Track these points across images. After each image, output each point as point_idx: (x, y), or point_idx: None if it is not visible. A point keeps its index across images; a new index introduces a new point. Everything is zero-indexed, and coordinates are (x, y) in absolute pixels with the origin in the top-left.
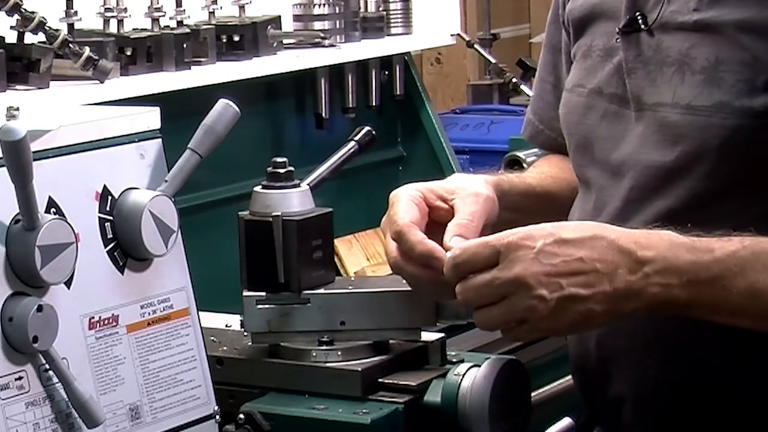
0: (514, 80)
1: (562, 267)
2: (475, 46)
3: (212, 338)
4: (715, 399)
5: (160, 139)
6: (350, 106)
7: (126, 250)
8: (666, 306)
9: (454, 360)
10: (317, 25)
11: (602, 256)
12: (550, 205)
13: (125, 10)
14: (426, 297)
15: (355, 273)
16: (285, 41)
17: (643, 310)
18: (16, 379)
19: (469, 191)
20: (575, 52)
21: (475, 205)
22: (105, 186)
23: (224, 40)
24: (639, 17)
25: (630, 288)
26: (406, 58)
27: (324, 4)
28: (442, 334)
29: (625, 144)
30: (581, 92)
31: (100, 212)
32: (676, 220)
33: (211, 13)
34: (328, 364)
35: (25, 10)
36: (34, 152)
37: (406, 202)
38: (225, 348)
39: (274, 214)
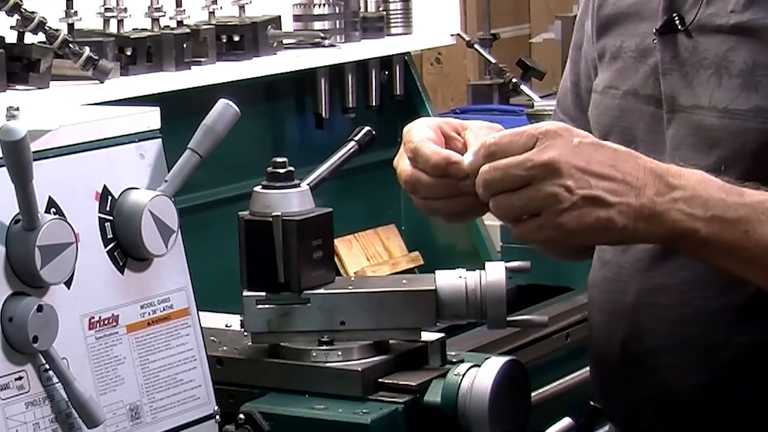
0: (514, 80)
1: (596, 167)
2: (475, 46)
3: (212, 338)
4: (740, 404)
5: (160, 139)
6: (350, 106)
7: (126, 250)
8: (683, 238)
9: (454, 360)
10: (317, 25)
11: (634, 171)
12: None
13: (125, 10)
14: (442, 214)
15: (355, 273)
16: (285, 41)
17: (661, 237)
18: (16, 379)
19: (481, 125)
20: (601, 52)
21: (489, 135)
22: (105, 186)
23: (224, 40)
24: (676, 18)
25: (654, 207)
26: (406, 58)
27: (324, 4)
28: (442, 334)
29: (662, 147)
30: (615, 94)
31: (100, 212)
32: None
33: (211, 13)
34: (328, 364)
35: (25, 10)
36: (34, 152)
37: (422, 127)
38: (225, 348)
39: (274, 214)
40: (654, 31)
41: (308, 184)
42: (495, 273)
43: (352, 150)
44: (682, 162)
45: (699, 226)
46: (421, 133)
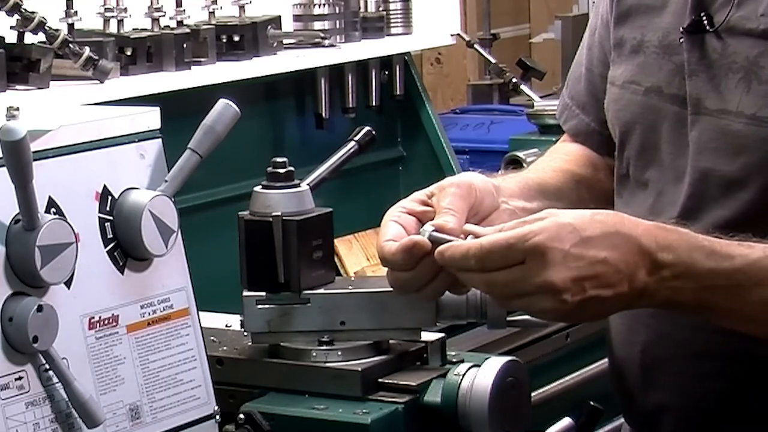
0: (514, 80)
1: (587, 270)
2: (475, 46)
3: (212, 338)
4: (763, 414)
5: (160, 139)
6: (350, 106)
7: (126, 250)
8: (677, 307)
9: (454, 360)
10: (317, 25)
11: (625, 256)
12: (547, 197)
13: (125, 10)
14: (449, 291)
15: (355, 273)
16: (285, 41)
17: (654, 307)
18: (16, 379)
19: (445, 185)
20: (619, 42)
21: (450, 196)
22: (105, 186)
23: (224, 40)
24: (704, 17)
25: (646, 288)
26: (406, 58)
27: (324, 4)
28: (442, 334)
29: (685, 149)
30: (636, 90)
31: (100, 212)
32: (733, 232)
33: (211, 13)
34: (328, 364)
35: (25, 10)
36: (34, 152)
37: (386, 224)
38: (225, 348)
39: (274, 214)
40: (681, 29)
41: (308, 184)
42: None
43: (352, 150)
44: (706, 167)
45: (691, 298)
46: (384, 235)
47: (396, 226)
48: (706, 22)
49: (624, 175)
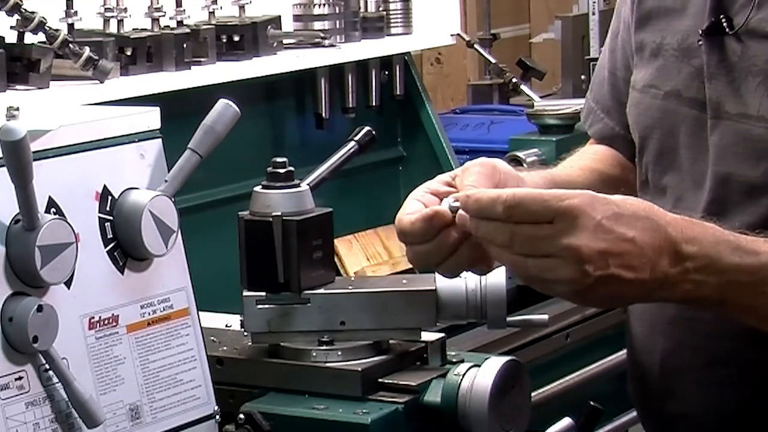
0: (514, 80)
1: (614, 245)
2: (475, 46)
3: (212, 338)
4: None
5: (160, 139)
6: (350, 106)
7: (126, 250)
8: (698, 302)
9: (454, 360)
10: (317, 25)
11: (652, 240)
12: None
13: (125, 10)
14: (468, 266)
15: (355, 273)
16: (285, 41)
17: (674, 301)
18: (16, 379)
19: (469, 165)
20: (640, 45)
21: (474, 175)
22: (105, 186)
23: (224, 40)
24: (723, 20)
25: (667, 279)
26: (406, 58)
27: (324, 4)
28: (442, 334)
29: (705, 153)
30: (656, 94)
31: (100, 212)
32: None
33: (211, 13)
34: (328, 364)
35: (25, 10)
36: (34, 152)
37: (408, 202)
38: (225, 348)
39: (274, 214)
40: (700, 32)
41: (308, 184)
42: (495, 273)
43: (352, 150)
44: (728, 171)
45: (713, 292)
46: (404, 210)
47: (417, 203)
48: (725, 24)
49: (644, 182)
